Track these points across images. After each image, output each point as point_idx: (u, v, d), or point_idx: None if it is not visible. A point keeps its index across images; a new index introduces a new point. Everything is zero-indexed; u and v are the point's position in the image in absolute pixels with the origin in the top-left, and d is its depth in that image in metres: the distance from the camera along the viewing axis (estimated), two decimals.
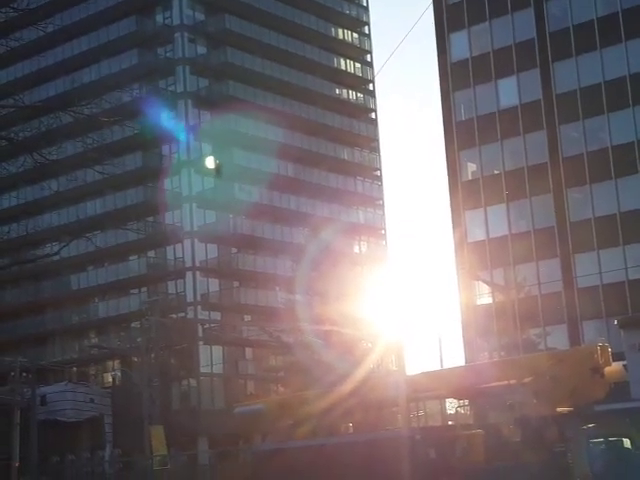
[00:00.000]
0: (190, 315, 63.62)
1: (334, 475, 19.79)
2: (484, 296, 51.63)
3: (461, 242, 51.09)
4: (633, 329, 16.99)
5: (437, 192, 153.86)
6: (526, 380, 17.70)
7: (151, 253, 67.09)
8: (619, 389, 16.71)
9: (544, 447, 17.02)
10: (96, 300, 69.76)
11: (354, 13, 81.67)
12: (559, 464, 16.95)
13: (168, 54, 68.45)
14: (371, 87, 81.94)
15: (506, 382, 18.23)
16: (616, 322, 17.79)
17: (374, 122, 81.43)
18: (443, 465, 18.62)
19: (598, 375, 16.67)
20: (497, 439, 18.17)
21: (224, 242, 66.11)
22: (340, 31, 79.76)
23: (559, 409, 17.41)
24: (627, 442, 16.38)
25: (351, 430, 22.48)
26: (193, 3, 68.94)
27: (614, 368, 16.98)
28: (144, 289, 66.27)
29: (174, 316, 61.25)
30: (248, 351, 66.77)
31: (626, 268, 46.08)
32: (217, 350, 64.05)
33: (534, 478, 16.69)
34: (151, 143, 66.87)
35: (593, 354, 16.92)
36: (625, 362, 16.99)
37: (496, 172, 51.63)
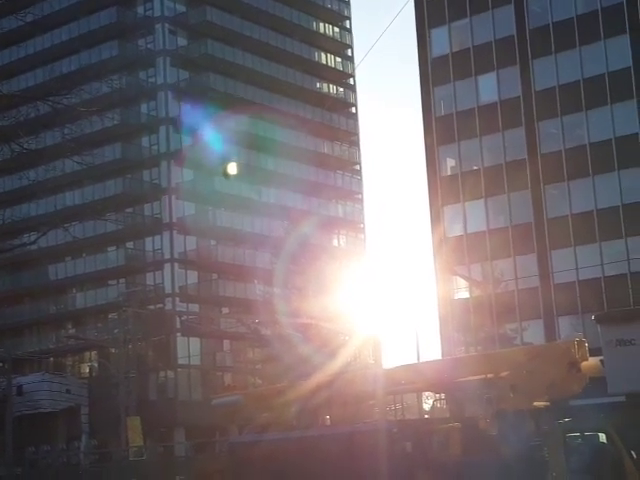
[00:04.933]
0: (168, 307, 63.60)
1: (311, 467, 19.84)
2: (461, 291, 51.91)
3: (439, 237, 51.31)
4: (610, 325, 17.17)
5: (416, 187, 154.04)
6: (503, 374, 17.80)
7: (130, 244, 66.98)
8: (596, 384, 16.87)
9: (520, 441, 17.13)
10: (74, 291, 69.59)
11: (335, 7, 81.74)
12: (535, 458, 17.08)
13: (149, 45, 68.30)
14: (351, 81, 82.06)
15: (483, 376, 18.33)
16: (593, 317, 17.95)
17: (354, 116, 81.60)
18: (420, 458, 18.69)
19: (575, 370, 16.76)
20: (474, 433, 18.26)
21: (203, 234, 66.09)
22: (321, 25, 79.77)
23: (536, 403, 17.54)
24: (603, 437, 16.51)
25: (328, 423, 22.54)
26: None
27: (591, 363, 17.09)
28: (122, 280, 66.19)
29: (152, 307, 61.20)
30: (226, 343, 66.82)
31: (602, 264, 46.46)
32: (195, 342, 64.04)
33: (510, 471, 16.80)
34: (131, 134, 66.79)
35: (570, 349, 17.01)
36: (602, 357, 17.14)
37: (475, 168, 51.85)
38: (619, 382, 16.68)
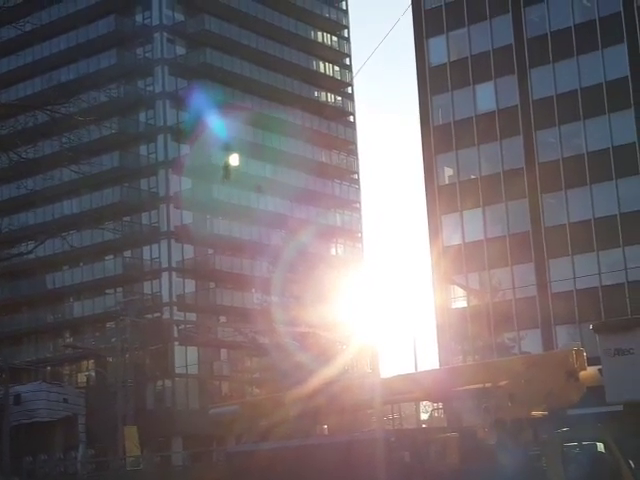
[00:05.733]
0: (166, 316, 63.52)
1: (308, 476, 19.83)
2: (459, 300, 51.86)
3: (437, 246, 51.30)
4: (608, 334, 17.12)
5: (414, 196, 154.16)
6: (501, 383, 17.81)
7: (127, 253, 66.95)
8: (594, 393, 16.86)
9: (519, 450, 17.13)
10: (71, 300, 69.52)
11: (333, 16, 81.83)
12: (533, 467, 17.07)
13: (147, 54, 68.35)
14: (349, 90, 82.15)
15: (481, 385, 18.33)
16: (591, 327, 17.91)
17: (352, 125, 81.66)
18: (417, 468, 18.68)
19: (573, 379, 16.80)
20: (472, 442, 18.25)
21: (201, 243, 66.04)
22: (319, 34, 79.88)
23: (534, 412, 17.53)
24: (601, 446, 16.50)
25: (326, 432, 22.52)
26: (172, 3, 68.86)
27: (589, 372, 17.11)
28: (120, 289, 66.14)
29: (149, 316, 61.08)
30: (223, 352, 66.76)
31: (600, 274, 46.44)
32: (192, 351, 63.96)
33: None
34: (128, 143, 66.82)
35: (568, 358, 17.04)
36: (600, 367, 17.13)
37: (472, 177, 51.88)
38: (617, 391, 16.64)
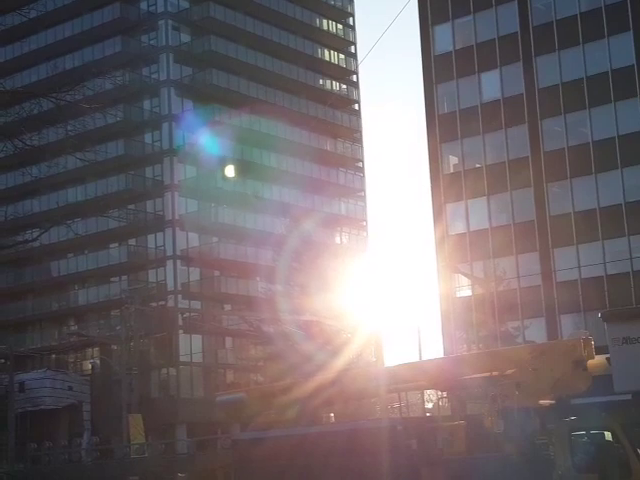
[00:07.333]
0: (170, 304, 63.47)
1: (314, 464, 19.84)
2: (464, 288, 51.86)
3: (442, 234, 51.24)
4: (617, 322, 17.12)
5: (419, 184, 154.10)
6: (508, 372, 17.79)
7: (132, 241, 66.96)
8: (602, 382, 16.86)
9: (526, 439, 17.13)
10: (76, 287, 69.58)
11: (338, 4, 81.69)
12: (541, 456, 17.07)
13: (152, 41, 68.25)
14: (354, 78, 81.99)
15: (488, 374, 18.31)
16: (600, 315, 17.90)
17: (357, 113, 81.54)
18: (424, 456, 18.69)
19: (581, 368, 16.80)
20: (479, 430, 18.25)
21: (205, 231, 66.04)
22: (324, 22, 79.75)
23: (541, 401, 17.53)
24: (609, 435, 16.50)
25: (333, 420, 22.51)
26: None
27: (597, 361, 17.11)
28: (124, 277, 66.18)
29: (154, 304, 61.13)
30: (228, 340, 66.80)
31: (604, 263, 46.43)
32: (197, 339, 64.01)
33: (515, 470, 16.81)
34: (133, 131, 66.74)
35: (576, 347, 17.03)
36: (608, 355, 17.12)
37: (477, 165, 51.80)
38: (626, 380, 16.64)
